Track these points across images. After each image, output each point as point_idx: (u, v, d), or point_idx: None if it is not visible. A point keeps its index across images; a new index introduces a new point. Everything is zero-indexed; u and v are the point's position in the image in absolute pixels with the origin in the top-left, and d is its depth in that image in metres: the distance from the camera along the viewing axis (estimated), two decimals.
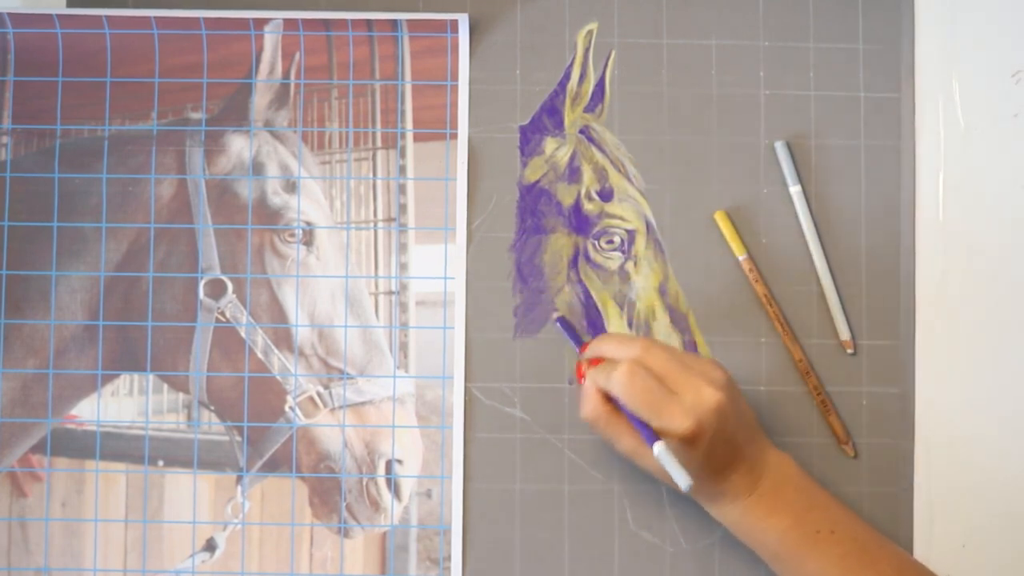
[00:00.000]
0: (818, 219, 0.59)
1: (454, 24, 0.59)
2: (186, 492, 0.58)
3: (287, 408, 0.58)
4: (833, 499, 0.54)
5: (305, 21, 0.59)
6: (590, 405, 0.52)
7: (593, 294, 0.59)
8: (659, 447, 0.48)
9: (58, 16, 0.59)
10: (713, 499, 0.53)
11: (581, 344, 0.56)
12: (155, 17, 0.59)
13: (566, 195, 0.60)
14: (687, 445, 0.50)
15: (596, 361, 0.53)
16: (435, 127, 0.60)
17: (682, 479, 0.47)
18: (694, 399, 0.50)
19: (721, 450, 0.51)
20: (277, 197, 0.59)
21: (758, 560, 0.58)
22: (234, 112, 0.60)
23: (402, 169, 0.60)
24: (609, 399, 0.52)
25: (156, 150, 0.60)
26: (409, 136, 0.60)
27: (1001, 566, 0.57)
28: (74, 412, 0.59)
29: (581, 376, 0.54)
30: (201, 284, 0.59)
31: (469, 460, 0.59)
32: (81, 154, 0.60)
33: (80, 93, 0.60)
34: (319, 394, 0.58)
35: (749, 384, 0.58)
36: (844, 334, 0.58)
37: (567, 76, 0.60)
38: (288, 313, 0.59)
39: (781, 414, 0.58)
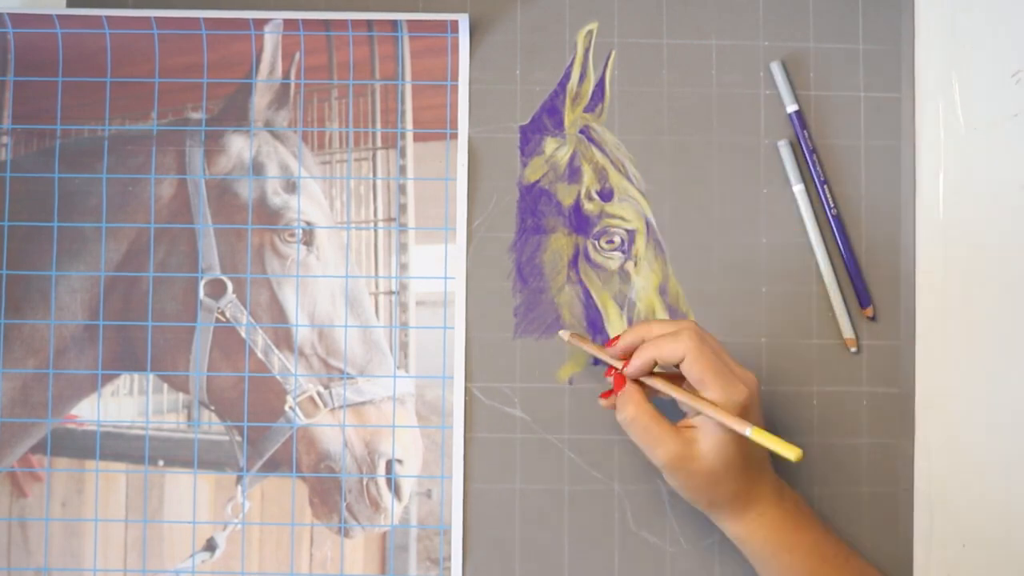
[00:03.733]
0: (819, 218, 0.59)
1: (454, 24, 0.59)
2: (186, 492, 0.58)
3: (287, 408, 0.58)
4: (837, 536, 0.54)
5: (305, 21, 0.59)
6: (633, 403, 0.51)
7: (593, 294, 0.59)
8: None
9: (58, 16, 0.59)
10: (745, 508, 0.52)
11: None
12: (155, 17, 0.59)
13: (566, 195, 0.60)
14: (743, 417, 0.49)
15: (620, 379, 0.52)
16: (435, 127, 0.60)
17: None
18: (743, 374, 0.51)
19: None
20: (277, 197, 0.59)
21: None
22: (234, 112, 0.60)
23: (402, 169, 0.60)
24: (649, 400, 0.52)
25: (156, 150, 0.60)
26: (409, 136, 0.60)
27: (1001, 566, 0.57)
28: (74, 412, 0.59)
29: (616, 377, 0.52)
30: (201, 284, 0.59)
31: (469, 460, 0.59)
32: (81, 154, 0.60)
33: (80, 93, 0.60)
34: (319, 394, 0.58)
35: None
36: (847, 332, 0.58)
37: (567, 76, 0.60)
38: (288, 313, 0.59)
39: (781, 414, 0.58)
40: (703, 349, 0.49)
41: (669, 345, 0.50)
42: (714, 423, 0.49)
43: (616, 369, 0.53)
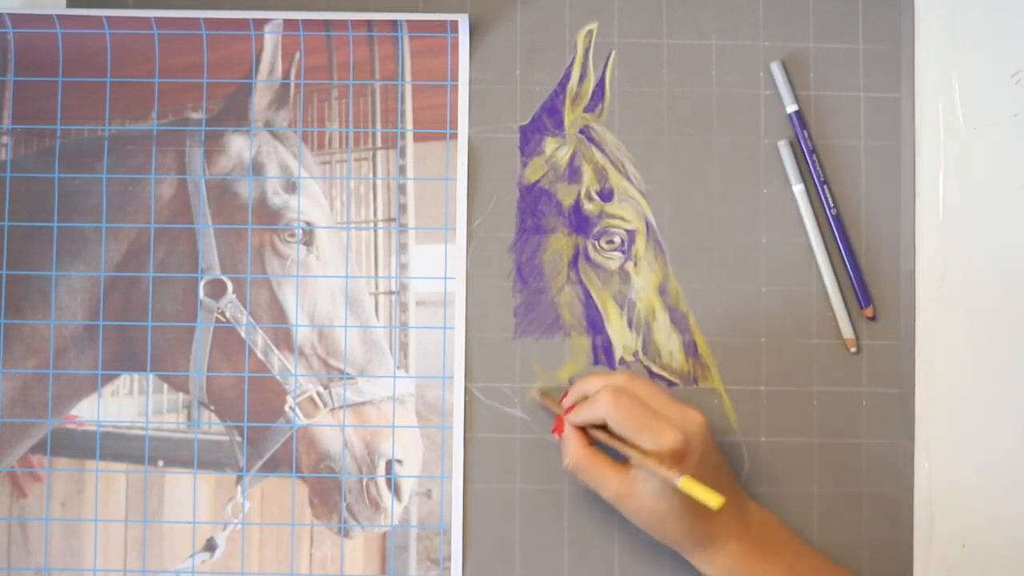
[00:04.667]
0: (819, 218, 0.59)
1: (454, 24, 0.59)
2: (186, 492, 0.58)
3: (287, 408, 0.58)
4: (817, 551, 0.55)
5: (305, 21, 0.59)
6: (571, 449, 0.52)
7: (593, 294, 0.59)
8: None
9: (58, 16, 0.59)
10: (704, 543, 0.52)
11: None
12: (155, 17, 0.59)
13: (566, 195, 0.60)
14: (677, 462, 0.49)
15: (560, 424, 0.54)
16: (435, 127, 0.60)
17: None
18: (680, 417, 0.51)
19: (708, 479, 0.49)
20: (277, 197, 0.59)
21: None
22: (234, 112, 0.60)
23: (402, 169, 0.60)
24: (591, 443, 0.53)
25: (156, 150, 0.60)
26: (409, 136, 0.60)
27: (1001, 566, 0.57)
28: (74, 412, 0.59)
29: (561, 428, 0.54)
30: (201, 284, 0.59)
31: (469, 460, 0.59)
32: (81, 154, 0.60)
33: (80, 93, 0.60)
34: (319, 394, 0.58)
35: (749, 384, 0.59)
36: (847, 332, 0.58)
37: (567, 76, 0.60)
38: (288, 313, 0.59)
39: (781, 414, 0.58)
40: (619, 407, 0.50)
41: (589, 410, 0.52)
42: (648, 474, 0.50)
43: (559, 418, 0.55)
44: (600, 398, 0.51)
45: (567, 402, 0.55)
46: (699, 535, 0.52)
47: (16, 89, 0.60)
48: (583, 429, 0.53)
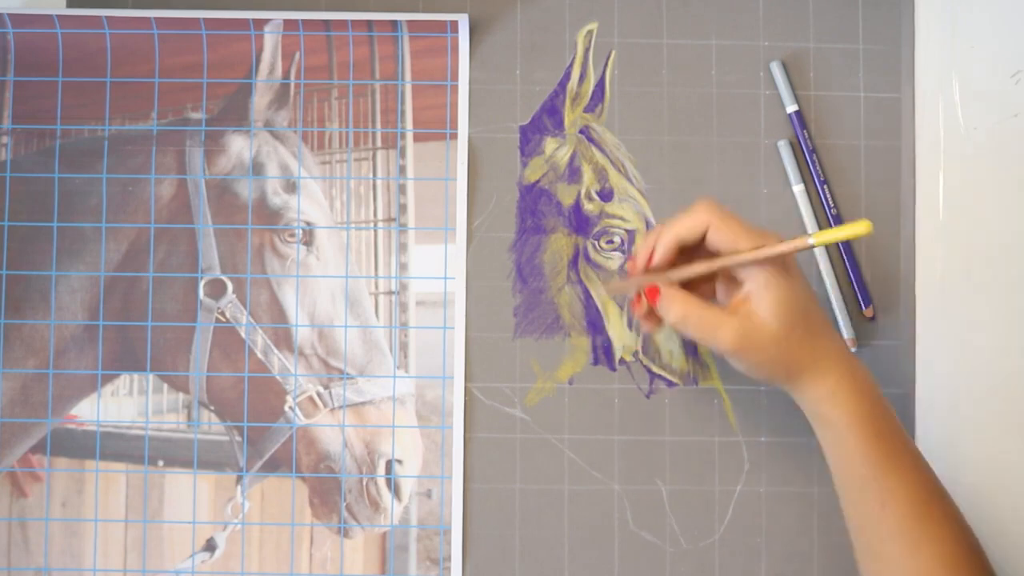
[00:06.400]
0: (819, 218, 0.59)
1: (454, 24, 0.59)
2: (186, 492, 0.58)
3: (287, 408, 0.58)
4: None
5: (305, 21, 0.59)
6: (677, 300, 0.49)
7: (593, 294, 0.59)
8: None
9: (58, 16, 0.59)
10: (826, 357, 0.49)
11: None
12: (155, 17, 0.59)
13: (566, 195, 0.60)
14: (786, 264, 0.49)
15: (652, 290, 0.50)
16: (435, 127, 0.60)
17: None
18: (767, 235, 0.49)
19: (807, 292, 0.49)
20: (277, 197, 0.59)
21: (758, 560, 0.58)
22: (234, 112, 0.60)
23: (402, 169, 0.60)
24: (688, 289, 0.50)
25: (156, 150, 0.60)
26: (409, 136, 0.60)
27: (1000, 565, 0.57)
28: (74, 412, 0.59)
29: (648, 290, 0.50)
30: (201, 284, 0.59)
31: (469, 460, 0.59)
32: (81, 154, 0.60)
33: (80, 93, 0.60)
34: (319, 394, 0.58)
35: (749, 384, 0.59)
36: (847, 332, 0.58)
37: (567, 76, 0.60)
38: (288, 313, 0.59)
39: (781, 414, 0.58)
40: (725, 210, 0.49)
41: (687, 219, 0.49)
42: (763, 286, 0.48)
43: (644, 289, 0.51)
44: (700, 207, 0.49)
45: (641, 254, 0.51)
46: (821, 355, 0.49)
47: (16, 89, 0.60)
48: (676, 285, 0.50)
